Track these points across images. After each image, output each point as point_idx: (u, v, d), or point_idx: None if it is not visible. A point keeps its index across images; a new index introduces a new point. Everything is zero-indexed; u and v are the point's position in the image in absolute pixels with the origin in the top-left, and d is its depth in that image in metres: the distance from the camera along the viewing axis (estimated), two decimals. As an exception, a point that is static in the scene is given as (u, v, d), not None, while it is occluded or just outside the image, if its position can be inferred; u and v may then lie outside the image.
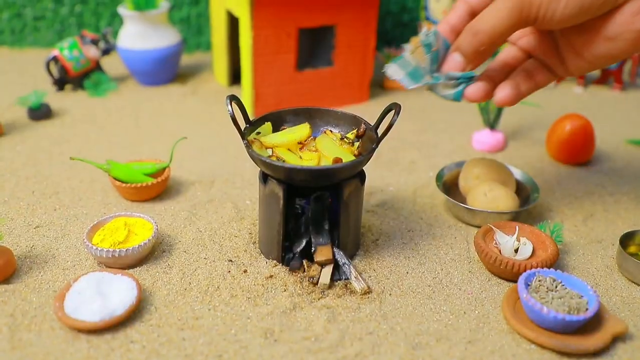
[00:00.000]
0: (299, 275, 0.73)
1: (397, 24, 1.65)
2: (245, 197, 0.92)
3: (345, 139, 0.74)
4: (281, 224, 0.72)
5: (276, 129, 0.77)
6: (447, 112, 1.28)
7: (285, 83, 1.21)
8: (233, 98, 0.69)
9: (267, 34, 1.14)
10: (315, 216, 0.74)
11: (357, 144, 0.73)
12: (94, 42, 1.32)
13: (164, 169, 0.91)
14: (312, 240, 0.74)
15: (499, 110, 1.09)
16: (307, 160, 0.71)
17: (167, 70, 1.37)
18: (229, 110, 0.67)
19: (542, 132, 1.17)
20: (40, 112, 1.17)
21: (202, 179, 0.97)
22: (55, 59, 1.28)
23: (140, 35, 1.31)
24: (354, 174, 0.71)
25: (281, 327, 0.65)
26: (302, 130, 0.76)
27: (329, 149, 0.72)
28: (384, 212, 0.89)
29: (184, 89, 1.38)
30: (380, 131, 0.71)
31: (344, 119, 0.78)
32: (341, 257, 0.73)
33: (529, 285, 0.67)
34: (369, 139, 0.73)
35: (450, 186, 0.93)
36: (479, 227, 0.84)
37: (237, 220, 0.85)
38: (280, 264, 0.75)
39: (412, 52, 0.67)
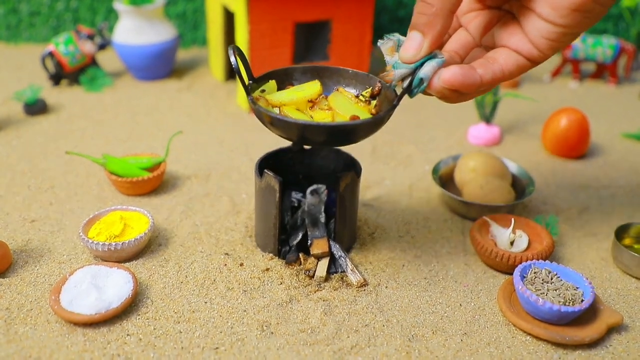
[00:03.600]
0: (295, 268, 0.73)
1: (393, 19, 1.65)
2: (242, 191, 0.92)
3: (361, 97, 0.67)
4: (277, 217, 0.72)
5: (281, 88, 0.70)
6: (443, 106, 1.28)
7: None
8: (237, 49, 0.63)
9: (263, 29, 1.14)
10: (311, 209, 0.75)
11: (373, 102, 0.67)
12: (90, 37, 1.31)
13: (160, 163, 0.91)
14: (308, 233, 0.74)
15: (495, 105, 1.09)
16: (320, 118, 0.65)
17: (163, 66, 1.37)
18: (232, 62, 0.61)
19: (538, 126, 1.17)
20: (36, 107, 1.17)
21: (198, 173, 0.97)
22: (51, 55, 1.28)
23: (136, 30, 1.31)
24: (374, 132, 0.64)
25: (277, 320, 0.65)
26: (312, 87, 0.68)
27: (344, 107, 0.65)
28: (380, 205, 0.89)
29: (180, 84, 1.38)
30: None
31: (356, 78, 0.71)
32: (337, 250, 0.73)
33: (524, 277, 0.67)
34: (386, 98, 0.66)
35: (446, 180, 0.93)
36: (475, 220, 0.84)
37: (234, 214, 0.85)
38: (277, 257, 0.75)
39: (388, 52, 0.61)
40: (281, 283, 0.71)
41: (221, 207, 0.87)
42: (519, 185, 0.90)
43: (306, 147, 0.80)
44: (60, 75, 1.31)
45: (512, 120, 1.20)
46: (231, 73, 1.39)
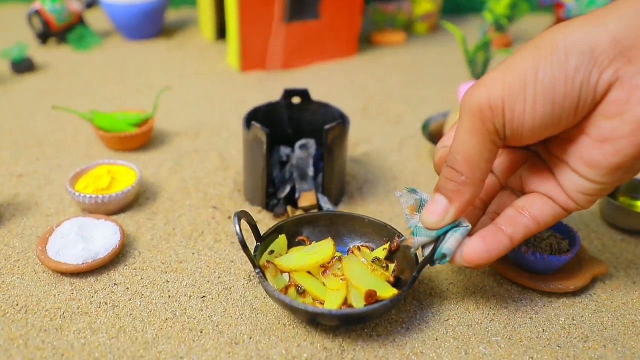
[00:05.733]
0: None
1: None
2: (231, 147, 0.91)
3: (377, 261, 0.60)
4: (265, 170, 0.72)
5: (292, 242, 0.64)
6: (435, 65, 1.28)
7: (272, 36, 1.20)
8: (242, 215, 0.56)
9: (253, -15, 1.12)
10: (299, 163, 0.74)
11: (392, 266, 0.60)
12: (77, -5, 1.29)
13: (148, 119, 0.91)
14: (296, 186, 0.74)
15: (486, 62, 1.08)
16: (333, 289, 0.58)
17: (152, 25, 1.35)
18: (237, 233, 0.54)
19: (530, 85, 1.16)
20: (23, 65, 1.15)
21: (188, 130, 0.96)
22: (37, 12, 1.26)
23: (124, -12, 1.29)
24: (392, 310, 0.60)
25: (265, 270, 0.65)
26: (324, 249, 0.61)
27: (358, 277, 0.58)
28: (369, 161, 0.88)
29: (170, 43, 1.36)
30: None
31: (372, 227, 0.64)
32: (325, 203, 0.73)
33: (511, 228, 0.67)
34: (405, 258, 0.60)
35: (435, 136, 0.93)
36: (463, 175, 0.84)
37: (222, 170, 0.85)
38: (265, 210, 0.75)
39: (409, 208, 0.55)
40: (269, 235, 0.71)
41: (210, 163, 0.87)
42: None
43: (295, 102, 0.80)
44: (47, 33, 1.29)
45: (504, 79, 1.19)
46: (221, 33, 1.37)
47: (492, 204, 0.57)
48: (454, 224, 0.51)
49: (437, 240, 0.52)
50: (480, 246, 0.50)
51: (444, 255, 0.52)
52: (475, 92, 0.46)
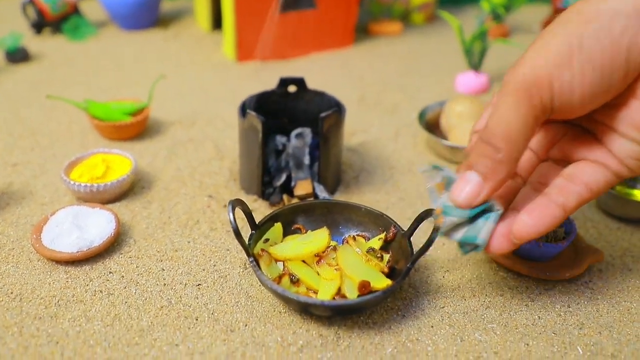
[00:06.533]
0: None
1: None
2: (227, 137, 0.91)
3: (372, 252, 0.60)
4: (260, 158, 0.71)
5: (287, 230, 0.64)
6: (431, 55, 1.27)
7: (266, 25, 1.19)
8: (235, 203, 0.56)
9: (249, -26, 1.12)
10: (295, 152, 0.74)
11: (386, 257, 0.60)
12: (72, -15, 1.29)
13: (143, 108, 0.90)
14: (292, 175, 0.74)
15: (483, 52, 1.08)
16: (327, 278, 0.57)
17: (147, 15, 1.34)
18: (231, 222, 0.54)
19: (527, 75, 1.16)
20: (18, 55, 1.15)
21: (183, 119, 0.96)
22: (31, 2, 1.25)
23: (119, -23, 1.28)
24: (385, 301, 0.60)
25: (260, 258, 0.65)
26: (319, 238, 0.61)
27: (352, 267, 0.57)
28: (366, 150, 0.88)
29: (166, 33, 1.35)
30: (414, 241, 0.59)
31: (369, 217, 0.64)
32: (321, 191, 0.73)
33: (507, 216, 0.67)
34: (400, 247, 0.60)
35: (432, 125, 0.92)
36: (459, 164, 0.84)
37: (218, 159, 0.84)
38: (261, 199, 0.75)
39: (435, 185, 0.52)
40: (265, 224, 0.71)
41: (205, 153, 0.86)
42: (506, 131, 0.89)
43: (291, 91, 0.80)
44: (42, 23, 1.28)
45: (500, 68, 1.19)
46: (217, 23, 1.37)
47: (534, 175, 0.54)
48: (486, 205, 0.49)
49: (470, 222, 0.50)
50: (528, 220, 0.48)
51: (476, 246, 0.50)
52: (520, 69, 0.44)
